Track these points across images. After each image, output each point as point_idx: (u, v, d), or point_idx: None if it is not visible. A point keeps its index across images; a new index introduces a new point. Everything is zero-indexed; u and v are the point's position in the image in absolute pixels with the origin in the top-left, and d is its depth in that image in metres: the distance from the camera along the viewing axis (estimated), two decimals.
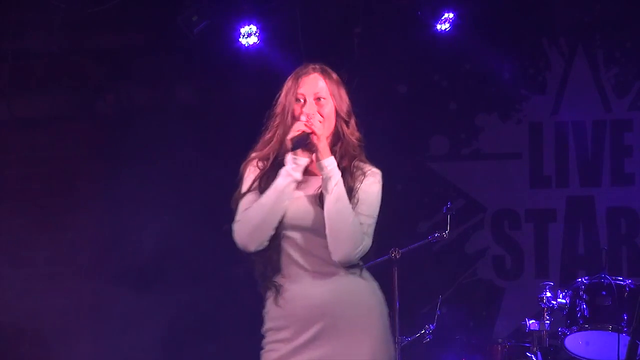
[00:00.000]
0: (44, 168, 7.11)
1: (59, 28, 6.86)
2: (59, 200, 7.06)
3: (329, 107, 3.48)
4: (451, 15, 6.51)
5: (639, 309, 4.14)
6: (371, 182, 3.48)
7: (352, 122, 3.54)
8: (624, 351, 5.26)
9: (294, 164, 3.40)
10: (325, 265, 3.39)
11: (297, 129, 3.38)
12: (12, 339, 6.92)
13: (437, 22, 6.54)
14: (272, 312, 3.44)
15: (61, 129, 7.10)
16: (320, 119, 3.43)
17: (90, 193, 7.03)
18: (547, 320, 5.54)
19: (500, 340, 5.89)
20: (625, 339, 5.29)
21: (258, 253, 3.43)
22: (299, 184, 3.44)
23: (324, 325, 3.35)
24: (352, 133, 3.52)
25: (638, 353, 4.00)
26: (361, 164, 3.51)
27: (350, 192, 3.42)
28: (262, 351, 3.47)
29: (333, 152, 3.45)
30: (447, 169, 7.09)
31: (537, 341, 5.55)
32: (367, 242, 3.46)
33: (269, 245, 3.42)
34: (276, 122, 3.50)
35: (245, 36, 6.54)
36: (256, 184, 3.46)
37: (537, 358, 5.54)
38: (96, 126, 7.09)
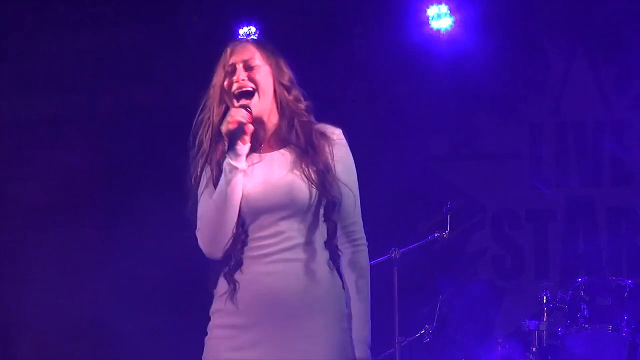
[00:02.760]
0: (44, 168, 7.10)
1: (59, 28, 6.86)
2: (59, 200, 7.06)
3: (262, 74, 3.24)
4: (446, 8, 6.51)
5: (639, 309, 4.15)
6: (344, 153, 3.26)
7: (296, 92, 3.28)
8: (623, 351, 5.27)
9: (234, 154, 3.13)
10: (290, 249, 3.13)
11: (229, 120, 3.14)
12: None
13: (434, 18, 6.55)
14: (225, 294, 3.17)
15: (61, 129, 7.09)
16: (252, 85, 3.20)
17: (90, 193, 7.03)
18: (547, 320, 5.54)
19: (500, 340, 5.89)
20: (625, 339, 5.30)
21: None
22: (258, 162, 3.20)
23: (281, 317, 3.10)
24: (298, 100, 3.27)
25: (638, 353, 4.01)
26: (319, 128, 3.27)
27: (327, 163, 3.19)
28: (207, 337, 3.22)
29: (285, 127, 3.23)
30: (447, 169, 7.09)
31: (537, 341, 5.55)
32: (363, 242, 3.28)
33: (234, 242, 3.16)
34: (209, 100, 3.29)
35: (244, 36, 6.54)
36: (205, 181, 3.21)
37: (537, 358, 5.54)
38: (96, 126, 7.09)
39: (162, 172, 6.84)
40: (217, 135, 3.23)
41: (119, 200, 6.89)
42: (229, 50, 3.30)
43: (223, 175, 3.15)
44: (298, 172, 3.16)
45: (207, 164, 3.23)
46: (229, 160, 3.13)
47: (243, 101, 3.21)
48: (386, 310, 5.38)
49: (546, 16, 6.84)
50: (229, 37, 6.65)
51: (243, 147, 3.15)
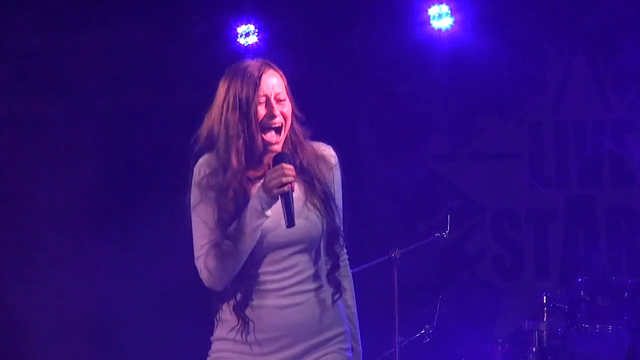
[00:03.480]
0: (44, 168, 7.10)
1: (59, 28, 6.86)
2: (59, 200, 7.06)
3: (288, 108, 3.16)
4: (446, 7, 6.52)
5: (639, 308, 4.16)
6: (338, 175, 3.24)
7: (300, 117, 3.22)
8: (623, 351, 5.27)
9: (267, 203, 3.03)
10: (302, 282, 3.14)
11: (281, 180, 2.99)
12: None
13: (434, 18, 6.55)
14: (235, 324, 3.13)
15: (61, 129, 7.09)
16: (282, 122, 3.13)
17: (90, 193, 7.03)
18: (547, 320, 5.55)
19: (500, 340, 5.89)
20: (625, 339, 5.30)
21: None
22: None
23: (298, 347, 3.13)
24: (303, 131, 3.21)
25: (638, 353, 4.01)
26: (313, 146, 3.22)
27: (330, 189, 3.17)
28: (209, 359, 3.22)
29: (293, 155, 3.14)
30: (447, 169, 7.09)
31: (537, 341, 5.56)
32: (346, 257, 3.30)
33: (244, 278, 3.12)
34: (241, 127, 3.09)
35: (244, 36, 6.55)
36: (214, 210, 3.10)
37: (537, 358, 5.54)
38: (96, 126, 7.09)
39: (167, 174, 6.85)
40: (246, 163, 3.12)
41: (130, 202, 6.88)
42: (260, 76, 3.14)
43: (248, 217, 3.04)
44: (311, 206, 3.15)
45: (207, 185, 3.14)
46: (260, 206, 3.03)
47: (272, 135, 3.12)
48: (386, 310, 5.39)
49: (546, 16, 6.83)
50: (229, 37, 6.65)
51: (274, 197, 3.06)
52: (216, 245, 3.09)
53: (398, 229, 6.63)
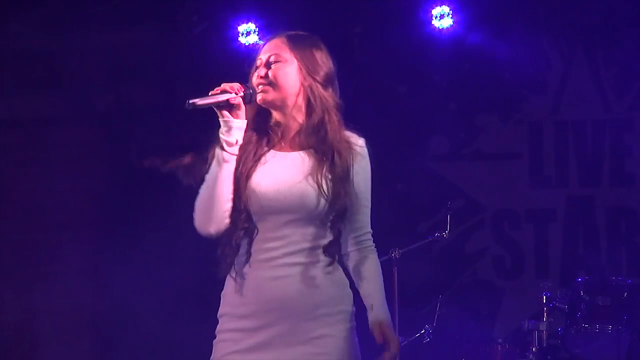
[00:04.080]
0: (44, 168, 7.11)
1: (59, 28, 6.86)
2: (59, 200, 7.06)
3: (283, 71, 3.19)
4: (448, 9, 6.52)
5: (639, 308, 4.15)
6: (365, 165, 3.24)
7: (333, 88, 3.25)
8: (623, 351, 5.27)
9: (225, 128, 3.15)
10: (297, 253, 3.13)
11: (217, 88, 3.17)
12: None
13: (436, 18, 6.55)
14: (232, 298, 3.17)
15: (61, 129, 7.09)
16: (265, 82, 3.17)
17: (90, 192, 7.03)
18: (547, 320, 5.54)
19: (500, 340, 5.89)
20: (625, 339, 5.30)
21: (226, 235, 3.17)
22: (278, 159, 3.18)
23: (287, 322, 3.10)
24: (332, 97, 3.22)
25: (638, 353, 4.01)
26: (346, 134, 3.24)
27: (347, 174, 3.16)
28: (216, 340, 3.21)
29: (311, 128, 3.19)
30: (447, 169, 7.09)
31: (537, 341, 5.56)
32: (373, 246, 3.31)
33: (236, 227, 3.15)
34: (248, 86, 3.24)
35: (245, 35, 6.55)
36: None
37: (537, 358, 5.54)
38: (96, 126, 7.09)
39: (161, 172, 6.85)
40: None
41: (135, 202, 6.88)
42: (263, 45, 3.29)
43: (217, 149, 3.16)
44: (312, 180, 3.14)
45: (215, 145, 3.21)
46: (219, 134, 3.15)
47: (259, 93, 3.19)
48: None
49: (546, 16, 6.83)
50: (230, 37, 6.65)
51: (234, 121, 3.15)
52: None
53: (398, 229, 6.62)
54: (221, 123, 3.16)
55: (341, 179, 3.16)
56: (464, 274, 6.97)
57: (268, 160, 3.19)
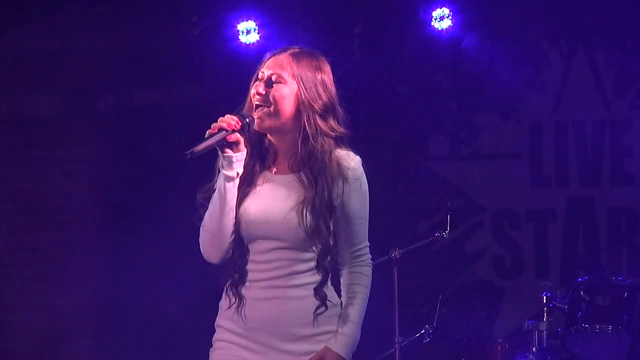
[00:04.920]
0: (44, 168, 7.11)
1: (59, 28, 6.86)
2: (58, 200, 7.06)
3: (282, 93, 3.13)
4: (447, 10, 6.52)
5: (639, 308, 4.16)
6: (357, 186, 3.16)
7: (333, 118, 3.18)
8: (623, 351, 5.27)
9: (226, 162, 3.12)
10: (286, 277, 3.14)
11: (214, 126, 3.10)
12: None
13: (436, 20, 6.55)
14: (226, 312, 3.20)
15: (61, 129, 7.09)
16: (264, 103, 3.14)
17: (90, 192, 7.03)
18: (547, 320, 5.54)
19: (500, 340, 5.89)
20: (625, 339, 5.30)
21: (227, 262, 3.21)
22: (267, 182, 3.18)
23: (269, 342, 3.14)
24: (330, 128, 3.16)
25: (638, 353, 4.01)
26: (339, 156, 3.16)
27: (333, 201, 3.11)
28: (211, 348, 3.27)
29: (304, 152, 3.13)
30: (447, 169, 7.09)
31: (537, 341, 5.55)
32: (368, 259, 3.24)
33: (233, 252, 3.18)
34: (243, 105, 3.23)
35: (245, 33, 6.55)
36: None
37: (537, 358, 5.54)
38: (96, 126, 7.09)
39: (162, 172, 6.85)
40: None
41: (142, 201, 6.88)
42: (267, 56, 3.24)
43: (217, 183, 3.15)
44: (296, 211, 3.12)
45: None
46: (220, 169, 3.14)
47: (256, 112, 3.16)
48: (386, 310, 5.38)
49: (546, 16, 6.83)
50: (230, 36, 6.65)
51: (234, 155, 3.12)
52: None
53: (398, 229, 6.62)
54: (222, 158, 3.14)
55: (323, 214, 3.12)
56: (464, 274, 6.97)
57: (260, 184, 3.19)
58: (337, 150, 3.18)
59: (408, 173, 6.98)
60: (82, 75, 7.05)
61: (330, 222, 3.14)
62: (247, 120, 3.13)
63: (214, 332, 3.30)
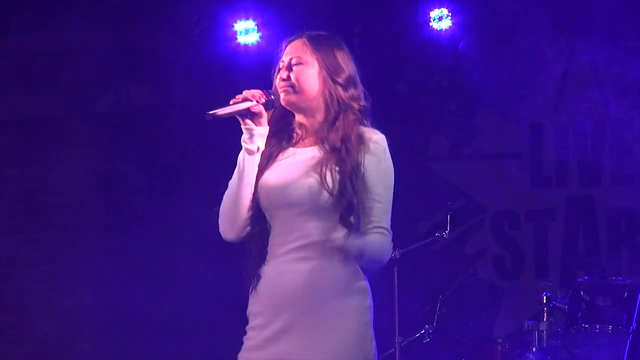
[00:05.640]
0: (44, 168, 7.11)
1: (59, 28, 6.86)
2: (58, 200, 7.06)
3: (307, 72, 3.23)
4: (446, 10, 6.52)
5: (639, 309, 4.15)
6: (375, 160, 3.20)
7: (354, 90, 3.28)
8: (623, 351, 5.27)
9: (247, 135, 3.20)
10: (306, 247, 3.13)
11: (239, 96, 3.19)
12: None
13: (435, 20, 6.56)
14: (251, 297, 3.21)
15: (61, 129, 7.10)
16: (289, 85, 3.21)
17: (89, 193, 7.04)
18: (547, 320, 5.54)
19: (500, 340, 5.89)
20: (625, 339, 5.30)
21: (246, 241, 3.23)
22: (290, 155, 3.22)
23: (293, 316, 3.11)
24: (354, 99, 3.26)
25: (638, 353, 4.01)
26: (362, 130, 3.23)
27: (355, 168, 3.14)
28: (245, 337, 3.26)
29: (327, 125, 3.21)
30: (447, 169, 7.09)
31: (537, 341, 5.56)
32: (388, 241, 3.24)
33: (252, 229, 3.21)
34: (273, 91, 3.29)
35: (244, 33, 6.55)
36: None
37: (537, 358, 5.54)
38: (96, 126, 7.09)
39: (162, 172, 6.85)
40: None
41: (143, 200, 6.88)
42: (283, 45, 3.32)
43: (239, 155, 3.21)
44: (316, 173, 3.15)
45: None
46: (242, 141, 3.21)
47: (283, 96, 3.24)
48: (386, 310, 5.38)
49: (546, 16, 6.83)
50: (229, 36, 6.65)
51: (256, 128, 3.20)
52: None
53: (398, 229, 6.61)
54: (243, 130, 3.20)
55: (349, 174, 3.15)
56: (464, 274, 6.97)
57: (284, 158, 3.24)
58: (361, 127, 3.25)
59: (408, 173, 6.97)
60: (82, 75, 7.05)
61: (354, 185, 3.15)
62: (272, 96, 3.22)
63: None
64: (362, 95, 3.30)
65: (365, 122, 3.27)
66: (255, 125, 3.20)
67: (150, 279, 6.65)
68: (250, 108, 3.17)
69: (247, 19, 6.61)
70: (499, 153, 7.05)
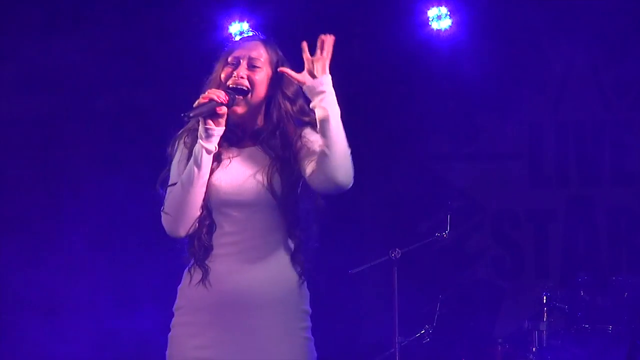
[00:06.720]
0: (44, 168, 7.11)
1: (58, 27, 6.86)
2: (58, 200, 7.06)
3: (262, 77, 3.25)
4: (446, 9, 6.53)
5: (639, 309, 4.15)
6: (310, 129, 3.24)
7: (302, 102, 3.28)
8: (623, 351, 5.27)
9: (206, 135, 3.18)
10: (257, 248, 3.18)
11: (205, 97, 3.18)
12: None
13: (434, 20, 6.57)
14: (190, 291, 3.21)
15: (61, 129, 7.09)
16: (248, 85, 3.23)
17: (89, 193, 7.03)
18: (547, 320, 5.55)
19: (500, 340, 5.89)
20: (625, 339, 5.30)
21: (191, 237, 3.23)
22: (235, 156, 3.25)
23: (238, 315, 3.15)
24: (303, 113, 3.27)
25: (638, 353, 4.01)
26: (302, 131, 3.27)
27: (297, 172, 3.19)
28: (170, 334, 3.26)
29: (268, 130, 3.25)
30: (447, 169, 7.09)
31: (537, 341, 5.56)
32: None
33: (200, 225, 3.22)
34: (206, 87, 3.30)
35: (238, 35, 6.56)
36: (179, 160, 3.28)
37: (537, 358, 5.54)
38: (96, 126, 7.09)
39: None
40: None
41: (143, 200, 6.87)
42: (238, 44, 3.33)
43: (193, 155, 3.20)
44: (265, 177, 3.19)
45: (183, 142, 3.29)
46: (199, 141, 3.19)
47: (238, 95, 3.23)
48: (386, 310, 5.39)
49: (546, 16, 6.83)
50: (225, 37, 6.66)
51: (216, 129, 3.20)
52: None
53: (398, 229, 6.62)
54: (201, 130, 3.19)
55: (289, 177, 3.20)
56: (464, 274, 6.98)
57: (228, 158, 3.25)
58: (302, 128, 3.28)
59: (408, 173, 6.98)
60: (82, 75, 7.04)
61: (298, 189, 3.21)
62: (233, 99, 3.22)
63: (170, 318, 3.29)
64: (307, 109, 3.27)
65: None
66: (215, 125, 3.20)
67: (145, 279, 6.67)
68: (217, 109, 3.18)
69: (242, 20, 6.63)
70: (499, 153, 7.05)
